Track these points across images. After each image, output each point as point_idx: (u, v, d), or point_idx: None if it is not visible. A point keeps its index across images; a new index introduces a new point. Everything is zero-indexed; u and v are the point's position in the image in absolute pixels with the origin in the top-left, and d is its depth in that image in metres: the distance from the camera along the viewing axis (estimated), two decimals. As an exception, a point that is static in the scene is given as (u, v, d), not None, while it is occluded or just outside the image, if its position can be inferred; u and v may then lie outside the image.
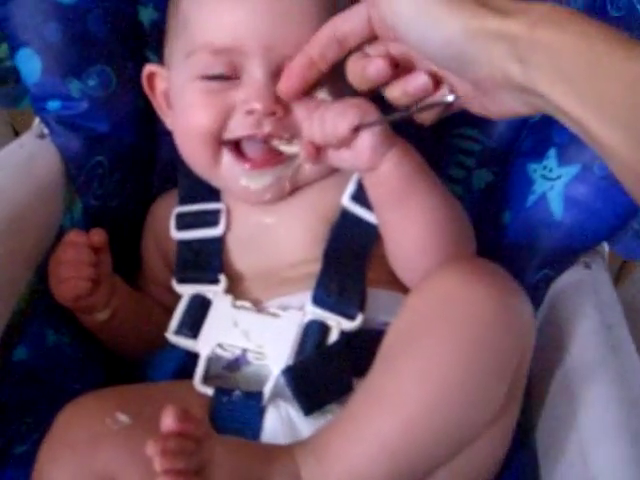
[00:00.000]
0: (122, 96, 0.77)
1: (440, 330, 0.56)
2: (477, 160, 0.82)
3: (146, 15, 0.79)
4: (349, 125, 0.61)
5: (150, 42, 0.80)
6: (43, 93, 0.74)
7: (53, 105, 0.75)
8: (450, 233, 0.66)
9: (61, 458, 0.57)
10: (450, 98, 0.59)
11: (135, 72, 0.77)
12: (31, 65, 0.73)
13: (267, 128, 0.67)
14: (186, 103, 0.70)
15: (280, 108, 0.66)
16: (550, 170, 0.73)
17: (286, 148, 0.68)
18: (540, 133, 0.76)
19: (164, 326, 0.70)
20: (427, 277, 0.61)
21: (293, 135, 0.67)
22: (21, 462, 0.62)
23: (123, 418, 0.59)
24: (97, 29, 0.75)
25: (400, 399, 0.55)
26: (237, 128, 0.68)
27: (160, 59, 0.77)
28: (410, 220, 0.65)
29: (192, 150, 0.72)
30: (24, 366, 0.68)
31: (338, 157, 0.64)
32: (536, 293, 0.73)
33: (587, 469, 0.56)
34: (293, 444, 0.58)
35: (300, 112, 0.67)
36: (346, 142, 0.62)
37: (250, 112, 0.66)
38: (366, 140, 0.61)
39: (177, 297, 0.72)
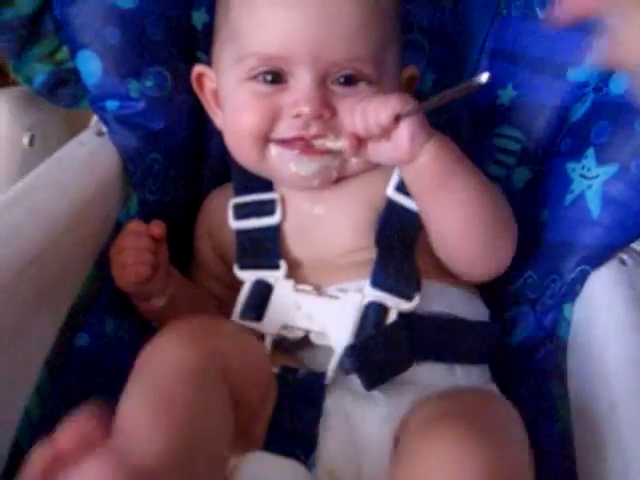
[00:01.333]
0: (177, 96, 0.80)
1: None
2: (517, 159, 0.84)
3: (199, 18, 0.83)
4: (391, 113, 0.64)
5: (202, 44, 0.83)
6: (102, 93, 0.77)
7: (112, 105, 0.78)
8: (488, 222, 0.69)
9: (178, 337, 0.58)
10: (484, 79, 0.61)
11: (188, 73, 0.80)
12: (91, 66, 0.76)
13: (314, 130, 0.70)
14: (236, 105, 0.74)
15: (327, 111, 0.70)
16: (588, 169, 0.74)
17: (331, 144, 0.71)
18: (579, 134, 0.78)
19: (216, 315, 0.73)
20: (412, 442, 0.56)
21: (337, 135, 0.70)
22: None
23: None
24: (154, 33, 0.78)
25: None
26: (285, 130, 0.71)
27: (210, 59, 0.80)
28: (448, 211, 0.68)
29: (240, 147, 0.76)
30: (85, 352, 0.71)
31: (378, 150, 0.68)
32: (573, 289, 0.74)
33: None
34: None
35: (345, 109, 0.70)
36: (387, 132, 0.65)
37: (298, 115, 0.70)
38: (405, 130, 0.65)
39: (228, 288, 0.75)
